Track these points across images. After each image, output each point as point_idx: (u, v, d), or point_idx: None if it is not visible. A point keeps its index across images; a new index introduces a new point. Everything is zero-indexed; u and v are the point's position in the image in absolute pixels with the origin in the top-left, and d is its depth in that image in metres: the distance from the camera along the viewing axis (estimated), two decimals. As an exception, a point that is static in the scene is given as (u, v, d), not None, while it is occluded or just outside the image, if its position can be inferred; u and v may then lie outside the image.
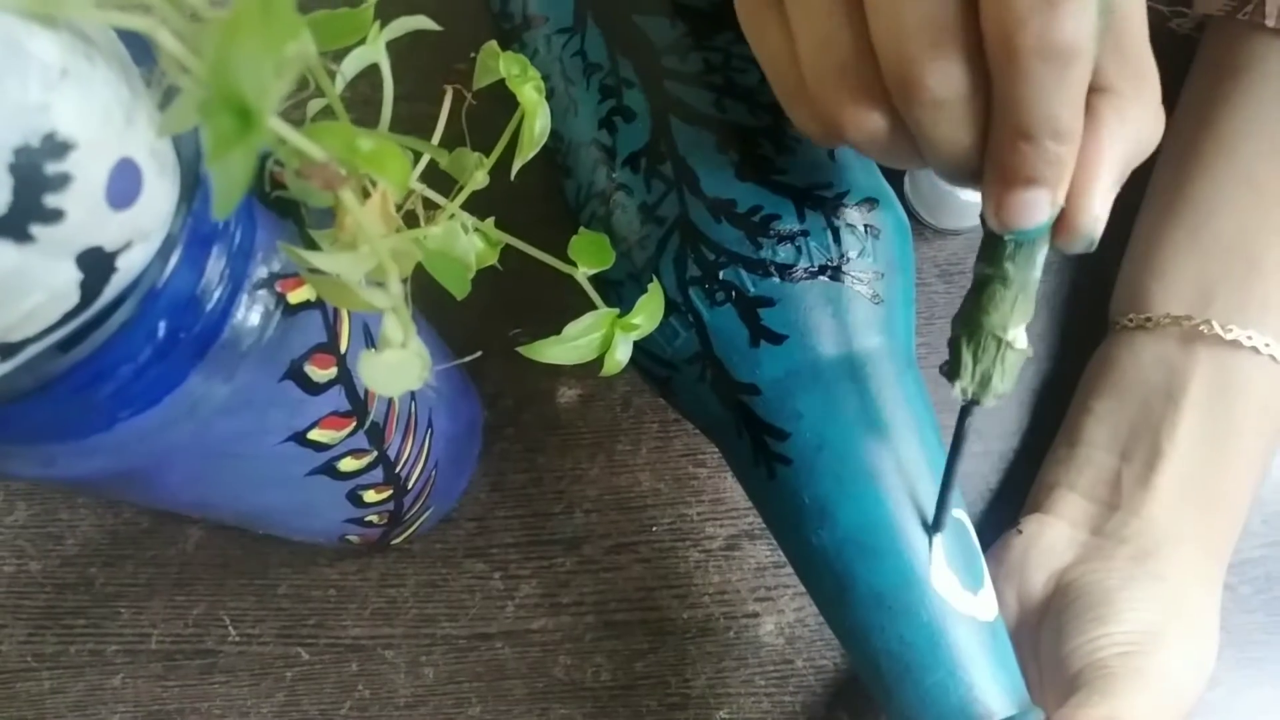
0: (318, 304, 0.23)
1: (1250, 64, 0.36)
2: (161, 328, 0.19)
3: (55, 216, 0.16)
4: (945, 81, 0.20)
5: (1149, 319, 0.35)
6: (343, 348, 0.25)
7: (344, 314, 0.25)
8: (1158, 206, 0.37)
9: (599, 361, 0.26)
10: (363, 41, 0.23)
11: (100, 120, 0.16)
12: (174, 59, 0.15)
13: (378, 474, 0.30)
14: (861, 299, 0.28)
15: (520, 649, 0.38)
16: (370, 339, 0.27)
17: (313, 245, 0.22)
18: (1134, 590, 0.31)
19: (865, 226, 0.28)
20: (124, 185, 0.17)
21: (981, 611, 0.27)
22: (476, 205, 0.24)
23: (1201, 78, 0.38)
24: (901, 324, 0.29)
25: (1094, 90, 0.22)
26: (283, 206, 0.22)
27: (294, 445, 0.26)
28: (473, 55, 0.26)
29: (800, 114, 0.24)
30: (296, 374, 0.24)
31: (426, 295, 0.23)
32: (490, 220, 0.25)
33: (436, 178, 0.24)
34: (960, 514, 0.28)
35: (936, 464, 0.28)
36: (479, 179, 0.25)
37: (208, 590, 0.39)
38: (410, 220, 0.23)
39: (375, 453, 0.29)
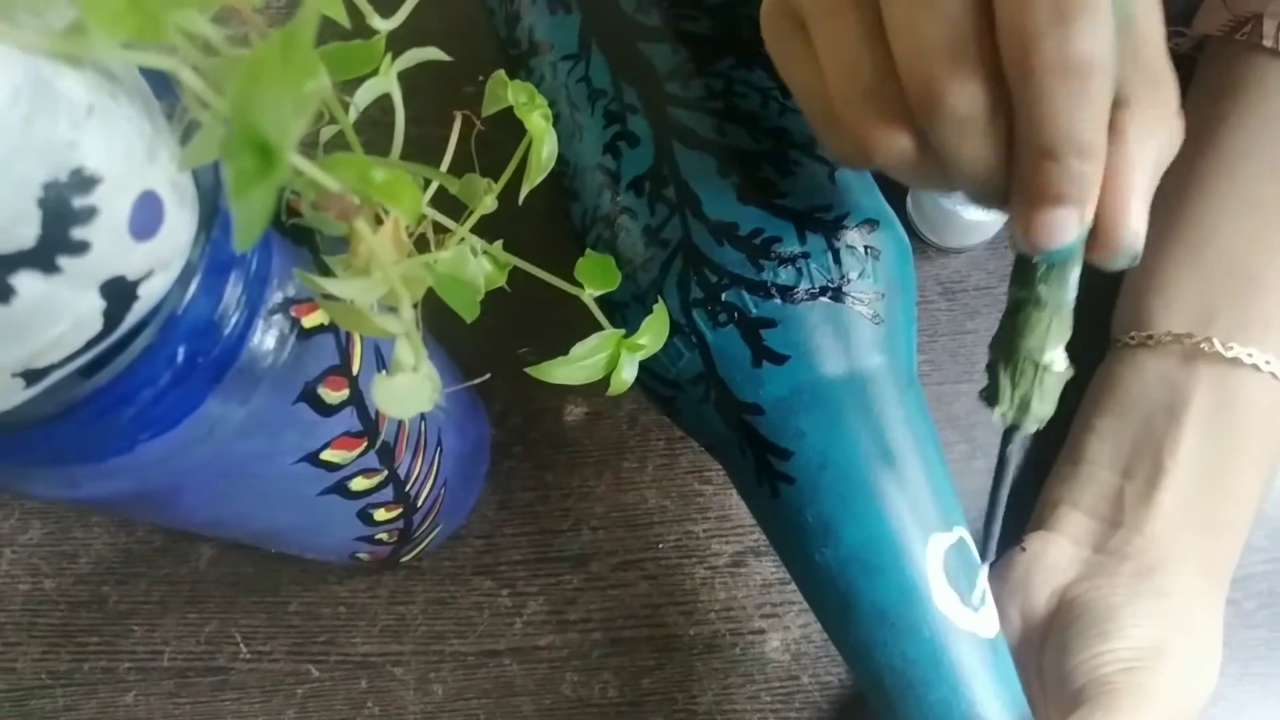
0: (330, 327, 0.24)
1: (1248, 84, 0.36)
2: (181, 353, 0.20)
3: (81, 248, 0.16)
4: (966, 99, 0.21)
5: (1151, 337, 0.35)
6: (355, 370, 0.26)
7: (356, 336, 0.26)
8: (1158, 225, 0.37)
9: (605, 381, 0.26)
10: (375, 72, 0.23)
11: (124, 155, 0.16)
12: (196, 96, 0.16)
13: (388, 493, 0.31)
14: (863, 319, 0.28)
15: (528, 666, 0.38)
16: (382, 361, 0.27)
17: (327, 271, 0.22)
18: (1137, 607, 0.31)
19: (866, 248, 0.28)
20: (146, 217, 0.17)
21: (983, 628, 0.27)
22: (485, 228, 0.25)
23: (1200, 98, 0.38)
24: (903, 343, 0.29)
25: (1116, 103, 0.22)
26: (298, 234, 0.22)
27: (307, 465, 0.26)
28: (481, 79, 0.26)
29: (832, 139, 0.24)
30: (310, 396, 0.24)
31: (436, 316, 0.24)
32: (499, 243, 0.25)
33: (446, 201, 0.24)
34: (962, 531, 0.28)
35: (939, 481, 0.28)
36: (488, 204, 0.25)
37: (219, 608, 0.39)
38: (421, 244, 0.24)
39: (386, 472, 0.30)
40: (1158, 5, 0.23)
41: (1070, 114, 0.20)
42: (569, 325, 0.26)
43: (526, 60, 0.33)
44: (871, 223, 0.29)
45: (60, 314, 0.17)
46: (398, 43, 0.24)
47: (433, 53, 0.24)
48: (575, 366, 0.26)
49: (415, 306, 0.21)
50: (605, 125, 0.30)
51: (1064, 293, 0.23)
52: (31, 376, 0.18)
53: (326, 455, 0.26)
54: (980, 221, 0.39)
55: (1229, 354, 0.33)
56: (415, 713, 0.38)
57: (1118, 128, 0.22)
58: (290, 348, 0.22)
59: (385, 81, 0.23)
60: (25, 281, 0.16)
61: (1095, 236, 0.22)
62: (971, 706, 0.26)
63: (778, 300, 0.27)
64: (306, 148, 0.17)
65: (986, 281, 0.41)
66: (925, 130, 0.22)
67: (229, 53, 0.17)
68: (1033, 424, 0.24)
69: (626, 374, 0.26)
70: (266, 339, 0.22)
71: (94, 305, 0.18)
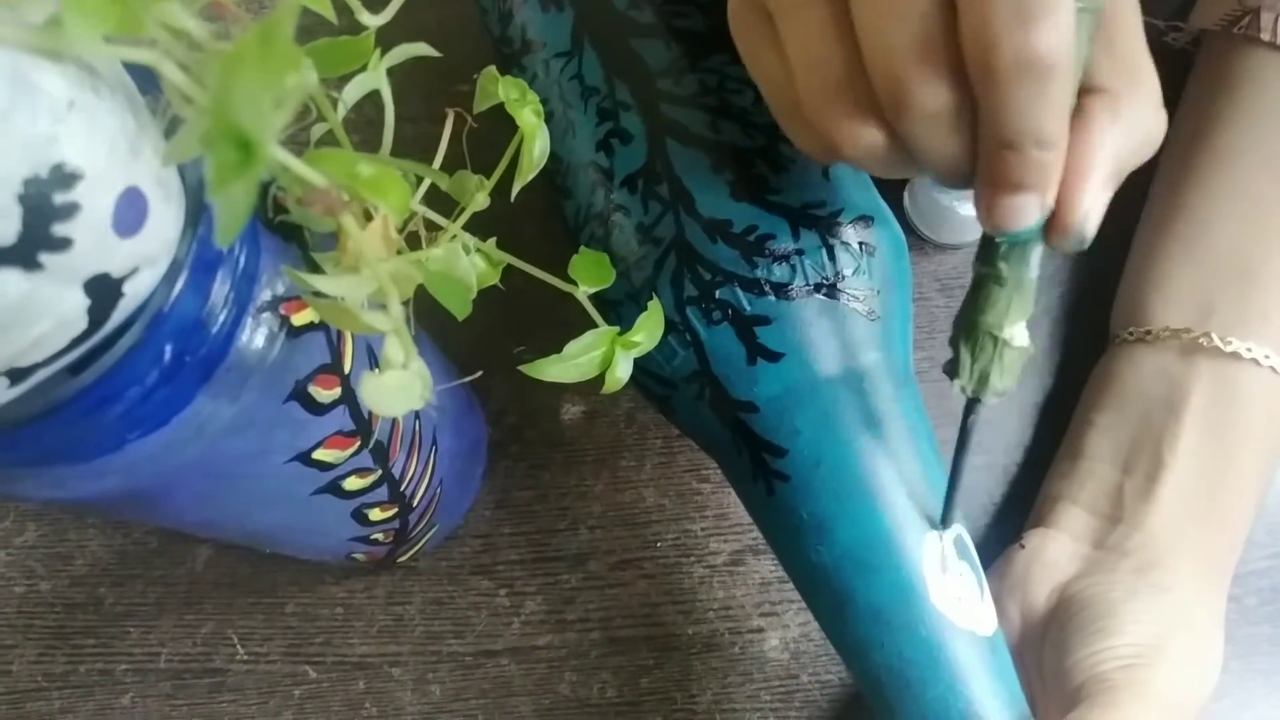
0: (321, 325, 0.24)
1: (1246, 78, 0.36)
2: (168, 351, 0.20)
3: (63, 245, 0.16)
4: (932, 96, 0.21)
5: (1149, 332, 0.35)
6: (346, 368, 0.25)
7: (347, 335, 0.26)
8: (1156, 219, 0.37)
9: (601, 379, 0.26)
10: (364, 68, 0.23)
11: (106, 151, 0.16)
12: (178, 90, 0.16)
13: (382, 492, 0.31)
14: (858, 316, 0.28)
15: (526, 666, 0.38)
16: (374, 359, 0.27)
17: (316, 269, 0.22)
18: (1136, 603, 0.31)
19: (860, 244, 0.28)
20: (130, 213, 0.17)
21: (981, 626, 0.27)
22: (478, 225, 0.25)
23: (1198, 92, 0.38)
24: (899, 340, 0.29)
25: (1087, 90, 0.22)
26: (286, 230, 0.22)
27: (299, 465, 0.26)
28: (474, 77, 0.26)
29: (797, 133, 0.24)
30: (301, 395, 0.24)
31: (430, 314, 0.24)
32: (492, 240, 0.25)
33: (439, 199, 0.24)
34: (960, 528, 0.28)
35: (934, 479, 0.28)
36: (480, 201, 0.25)
37: (216, 609, 0.39)
38: (413, 241, 0.24)
39: (380, 471, 0.30)
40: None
41: (1030, 110, 0.20)
42: (565, 323, 0.26)
43: (519, 58, 0.33)
44: (866, 219, 0.29)
45: (43, 312, 0.17)
46: (390, 40, 0.24)
47: (422, 48, 0.24)
48: (569, 364, 0.26)
49: (406, 304, 0.21)
50: (598, 123, 0.30)
51: (1025, 271, 0.23)
52: (15, 375, 0.18)
53: (319, 454, 0.26)
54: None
55: (1228, 348, 0.33)
56: (413, 713, 0.38)
57: (1083, 112, 0.22)
58: (280, 346, 0.22)
59: (374, 77, 0.23)
60: (6, 279, 0.16)
61: (1049, 218, 0.23)
62: (969, 705, 0.26)
63: (772, 298, 0.27)
64: (296, 145, 0.17)
65: (984, 278, 0.41)
66: (891, 123, 0.22)
67: (212, 47, 0.16)
68: (992, 396, 0.25)
69: (621, 372, 0.26)
70: (255, 337, 0.21)
71: (78, 303, 0.17)
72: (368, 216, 0.21)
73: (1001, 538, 0.36)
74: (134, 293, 0.19)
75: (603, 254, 0.27)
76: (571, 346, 0.26)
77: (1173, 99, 0.39)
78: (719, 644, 0.38)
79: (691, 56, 0.29)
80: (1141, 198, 0.38)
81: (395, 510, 0.32)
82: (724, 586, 0.38)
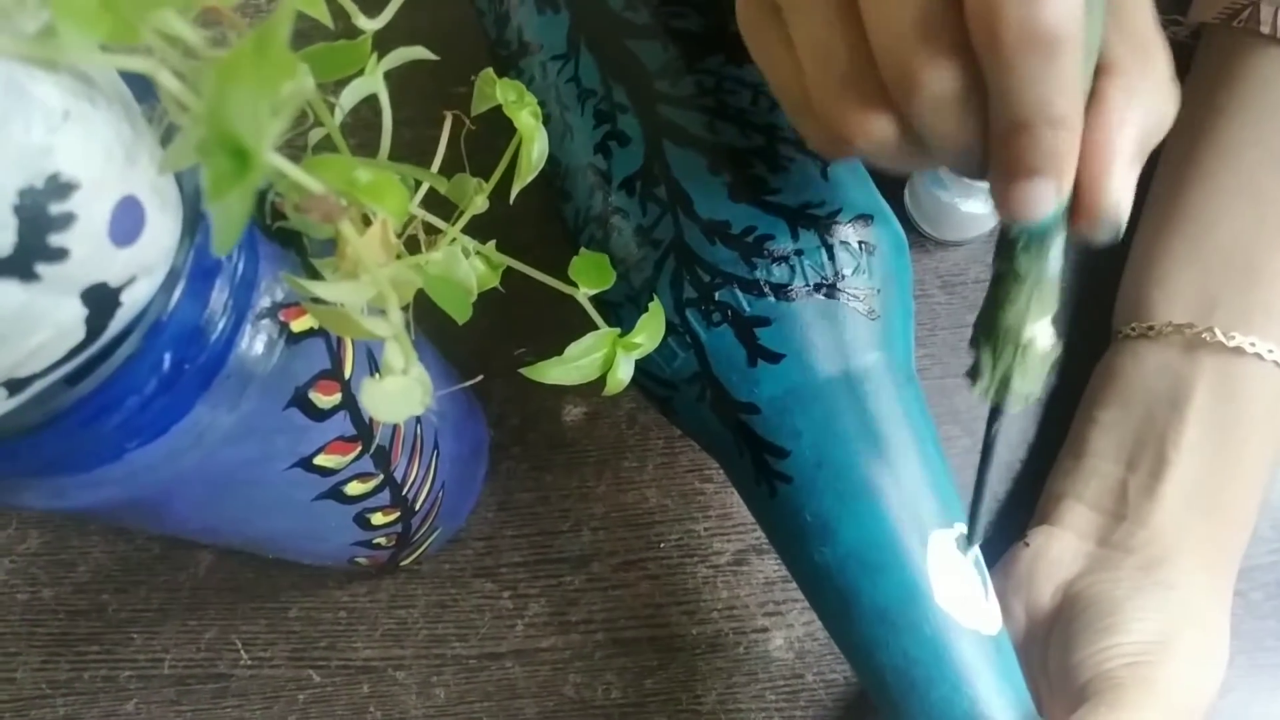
0: (321, 331, 0.24)
1: (1246, 71, 0.36)
2: (167, 360, 0.20)
3: (60, 255, 0.16)
4: (941, 78, 0.20)
5: (1152, 328, 0.35)
6: (347, 373, 0.25)
7: (348, 340, 0.26)
8: (1158, 215, 0.37)
9: (602, 381, 0.26)
10: (361, 72, 0.23)
11: (102, 160, 0.16)
12: (174, 98, 0.16)
13: (384, 497, 0.31)
14: (858, 315, 0.28)
15: (530, 668, 0.38)
16: (374, 364, 0.27)
17: (315, 275, 0.22)
18: (1142, 600, 0.31)
19: (860, 243, 0.28)
20: (127, 223, 0.17)
21: (985, 625, 0.27)
22: (477, 228, 0.25)
23: (1198, 86, 0.38)
24: (900, 338, 0.29)
25: (1100, 71, 0.22)
26: (284, 237, 0.22)
27: (300, 471, 0.26)
28: (472, 79, 0.26)
29: (808, 128, 0.24)
30: (301, 401, 0.24)
31: (430, 317, 0.24)
32: (492, 243, 0.25)
33: (437, 202, 0.24)
34: (963, 527, 0.28)
35: (938, 477, 0.28)
36: (479, 204, 0.25)
37: (219, 615, 0.39)
38: (412, 245, 0.24)
39: (381, 476, 0.30)
40: None
41: (1040, 85, 0.20)
42: (566, 326, 0.26)
43: (516, 61, 0.33)
44: (865, 217, 0.28)
45: (41, 322, 0.17)
46: (387, 44, 0.23)
47: (419, 52, 0.24)
48: (570, 367, 0.26)
49: (405, 309, 0.21)
50: (595, 125, 0.30)
51: (1044, 264, 0.23)
52: (14, 386, 0.18)
53: (320, 460, 0.26)
54: (978, 214, 0.38)
55: (1231, 344, 0.33)
56: (417, 717, 0.38)
57: (1099, 94, 0.22)
58: (279, 352, 0.22)
59: (371, 81, 0.23)
60: (3, 290, 0.16)
61: (1076, 206, 0.22)
62: (974, 704, 0.26)
63: (771, 298, 0.27)
64: (294, 150, 0.17)
65: (986, 274, 0.40)
66: (902, 111, 0.21)
67: (209, 54, 0.16)
68: (1016, 403, 0.24)
69: (622, 373, 0.26)
70: (255, 344, 0.21)
71: (75, 313, 0.17)
72: (366, 222, 0.21)
73: (1006, 536, 0.36)
74: (132, 302, 0.18)
75: (603, 255, 0.27)
76: (573, 348, 0.26)
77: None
78: (723, 644, 0.38)
79: (688, 57, 0.29)
80: (1143, 193, 0.38)
81: (397, 514, 0.32)
82: (728, 586, 0.38)
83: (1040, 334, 0.23)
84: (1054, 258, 0.23)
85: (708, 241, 0.28)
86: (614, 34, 0.30)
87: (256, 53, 0.13)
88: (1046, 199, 0.21)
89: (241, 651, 0.39)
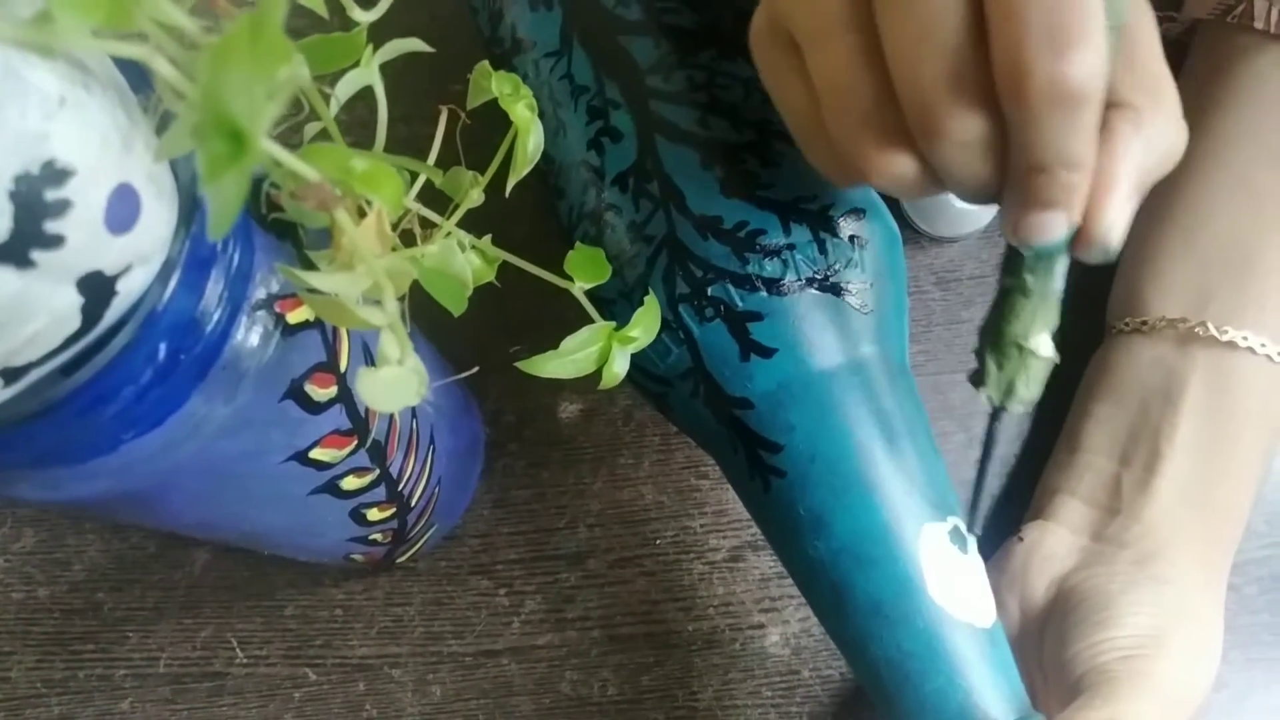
0: (317, 324, 0.24)
1: (1241, 67, 0.36)
2: (162, 350, 0.20)
3: (56, 242, 0.16)
4: (965, 125, 0.21)
5: (1145, 322, 0.35)
6: (343, 366, 0.25)
7: (343, 333, 0.26)
8: (1152, 210, 0.37)
9: (598, 376, 0.26)
10: (357, 64, 0.23)
11: (98, 147, 0.16)
12: (170, 85, 0.16)
13: (380, 492, 0.31)
14: (851, 309, 0.28)
15: (527, 665, 0.38)
16: (370, 357, 0.27)
17: (310, 265, 0.22)
18: (1136, 594, 0.31)
19: (852, 237, 0.28)
20: (123, 210, 0.17)
21: (979, 618, 0.27)
22: (473, 222, 0.25)
23: (1193, 81, 0.38)
24: (893, 332, 0.29)
25: (1110, 105, 0.22)
26: (280, 228, 0.22)
27: (296, 464, 0.26)
28: (467, 74, 0.26)
29: (821, 158, 0.25)
30: (297, 393, 0.24)
31: (426, 312, 0.24)
32: (487, 237, 0.25)
33: (433, 196, 0.24)
34: (956, 520, 0.28)
35: (931, 471, 0.28)
36: (474, 197, 0.25)
37: (215, 613, 0.39)
38: (407, 239, 0.24)
39: (377, 471, 0.30)
40: (1149, 12, 0.23)
41: (1062, 137, 0.21)
42: (561, 320, 0.26)
43: (510, 58, 0.33)
44: (858, 211, 0.29)
45: (36, 310, 0.17)
46: (382, 37, 0.23)
47: (414, 44, 0.24)
48: (566, 360, 0.26)
49: (401, 299, 0.21)
50: (588, 121, 0.30)
51: (1050, 283, 0.24)
52: (9, 375, 0.18)
53: (316, 454, 0.26)
54: (973, 211, 0.38)
55: (1224, 338, 0.33)
56: (414, 714, 0.38)
57: (1108, 126, 0.22)
58: (275, 344, 0.22)
59: (367, 74, 0.23)
60: (-1, 276, 0.16)
61: (1075, 232, 0.23)
62: (968, 696, 0.26)
63: (764, 293, 0.27)
64: (290, 144, 0.17)
65: (980, 271, 0.41)
66: (923, 150, 0.22)
67: (204, 42, 0.16)
68: (1018, 406, 0.25)
69: (618, 367, 0.26)
70: (250, 335, 0.21)
71: (71, 301, 0.17)
72: (361, 213, 0.21)
73: (1000, 530, 0.36)
74: (127, 290, 0.18)
75: (598, 249, 0.27)
76: (568, 342, 0.26)
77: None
78: (719, 640, 0.38)
79: (680, 53, 0.29)
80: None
81: (393, 510, 0.32)
82: (724, 583, 0.38)
83: (1042, 345, 0.24)
84: (1059, 275, 0.24)
85: (700, 237, 0.28)
86: (606, 30, 0.30)
87: (251, 35, 0.13)
88: (1058, 227, 0.22)
89: (237, 650, 0.39)
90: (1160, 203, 0.37)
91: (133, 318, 0.19)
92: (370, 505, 0.31)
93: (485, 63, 0.25)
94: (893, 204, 0.40)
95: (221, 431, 0.22)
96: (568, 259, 0.27)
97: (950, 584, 0.27)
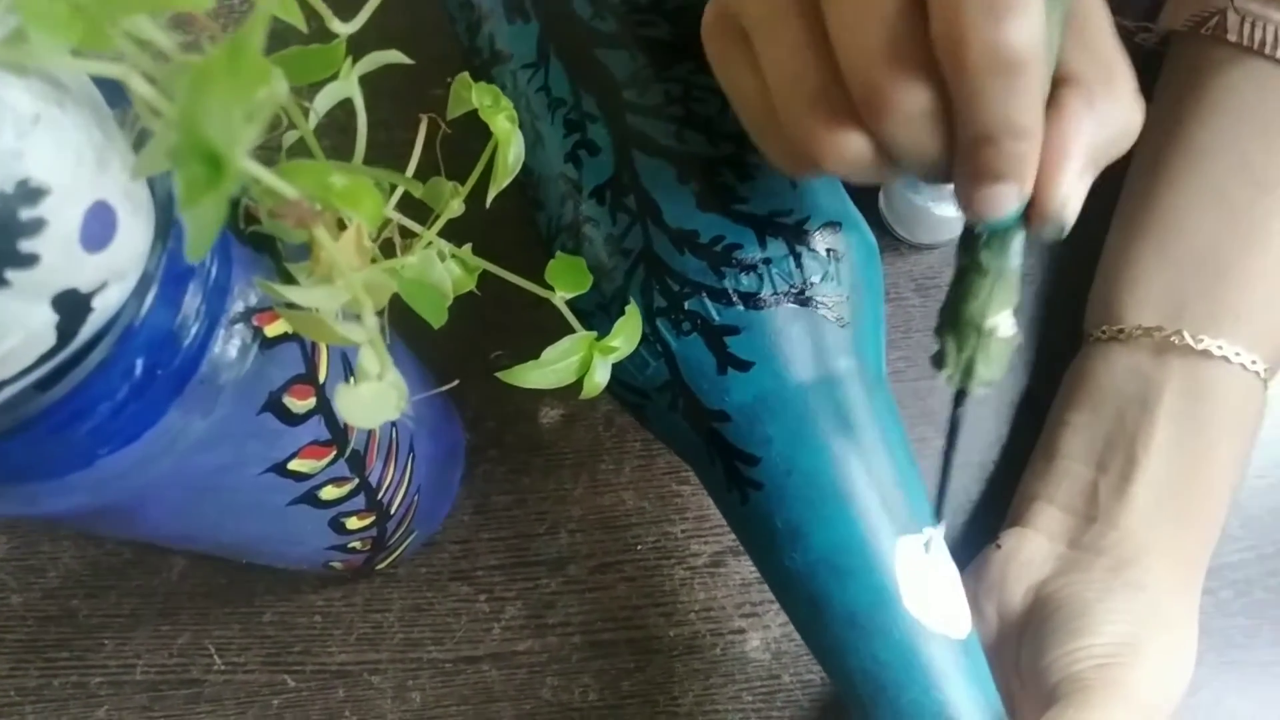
0: (295, 336, 0.23)
1: (1215, 78, 0.36)
2: (139, 365, 0.19)
3: (30, 261, 0.16)
4: (909, 98, 0.21)
5: (1122, 330, 0.35)
6: (321, 378, 0.25)
7: (322, 344, 0.25)
8: (1128, 219, 0.37)
9: (579, 383, 0.26)
10: (336, 76, 0.23)
11: (73, 165, 0.16)
12: (146, 103, 0.16)
13: (359, 501, 0.30)
14: (827, 322, 0.28)
15: (507, 671, 0.38)
16: (349, 368, 0.27)
17: (289, 279, 0.22)
18: (1111, 602, 0.31)
19: (828, 250, 0.28)
20: (98, 228, 0.17)
21: (954, 629, 0.27)
22: (454, 232, 0.25)
23: (1168, 92, 0.38)
24: (870, 345, 0.29)
25: (1061, 81, 0.23)
26: (258, 241, 0.22)
27: (274, 476, 0.26)
28: (448, 81, 0.26)
29: (772, 147, 0.25)
30: (275, 406, 0.24)
31: (406, 320, 0.24)
32: (468, 247, 0.25)
33: (413, 205, 0.24)
34: (934, 531, 0.28)
35: (908, 483, 0.28)
36: (454, 207, 0.25)
37: (192, 620, 0.39)
38: (387, 249, 0.23)
39: (356, 480, 0.29)
40: None
41: (1004, 104, 0.21)
42: (542, 329, 0.26)
43: (488, 69, 0.33)
44: (834, 225, 0.29)
45: (10, 328, 0.17)
46: (361, 47, 0.23)
47: (394, 55, 0.24)
48: (547, 370, 0.26)
49: (381, 313, 0.21)
50: (566, 134, 0.30)
51: (1006, 260, 0.24)
52: (-17, 392, 0.18)
53: (294, 465, 0.26)
54: (952, 218, 0.39)
55: (1199, 346, 0.34)
56: (393, 721, 0.38)
57: (1058, 102, 0.22)
58: (253, 357, 0.22)
59: (346, 85, 0.23)
60: (-28, 296, 0.15)
61: (1027, 206, 0.23)
62: (944, 707, 0.26)
63: (740, 307, 0.27)
64: (268, 153, 0.16)
65: (959, 277, 0.41)
66: (871, 128, 0.22)
67: (181, 59, 0.16)
68: (979, 387, 0.25)
69: (599, 377, 0.26)
70: (228, 349, 0.21)
71: (46, 319, 0.17)
72: (341, 226, 0.20)
73: (978, 538, 0.36)
74: (103, 307, 0.18)
75: (579, 259, 0.27)
76: (549, 352, 0.26)
77: (1143, 100, 0.39)
78: (700, 646, 0.38)
79: (656, 66, 0.29)
80: (1114, 198, 0.39)
81: (373, 518, 0.32)
82: (705, 588, 0.39)
83: (1002, 323, 0.24)
84: (1015, 253, 0.24)
85: (677, 251, 0.28)
86: (583, 43, 0.30)
87: (230, 60, 0.13)
88: (1009, 200, 0.22)
89: (215, 657, 0.38)
90: (1136, 212, 0.37)
91: (109, 333, 0.19)
92: (349, 514, 0.31)
93: (466, 74, 0.25)
94: (872, 212, 0.41)
95: (199, 445, 0.22)
96: (548, 268, 0.27)
97: (926, 595, 0.27)
